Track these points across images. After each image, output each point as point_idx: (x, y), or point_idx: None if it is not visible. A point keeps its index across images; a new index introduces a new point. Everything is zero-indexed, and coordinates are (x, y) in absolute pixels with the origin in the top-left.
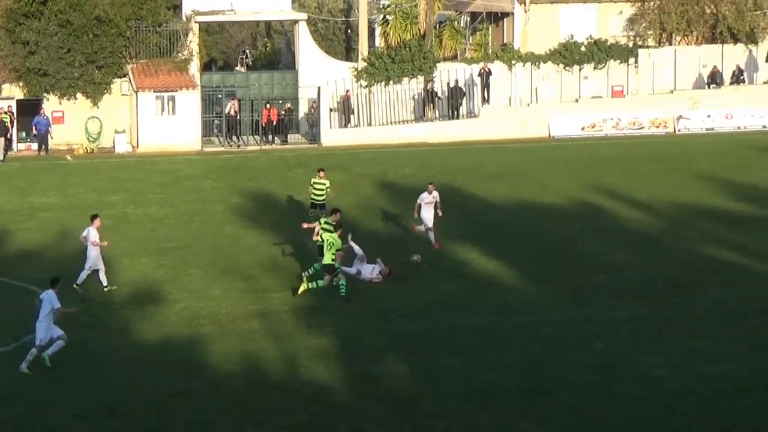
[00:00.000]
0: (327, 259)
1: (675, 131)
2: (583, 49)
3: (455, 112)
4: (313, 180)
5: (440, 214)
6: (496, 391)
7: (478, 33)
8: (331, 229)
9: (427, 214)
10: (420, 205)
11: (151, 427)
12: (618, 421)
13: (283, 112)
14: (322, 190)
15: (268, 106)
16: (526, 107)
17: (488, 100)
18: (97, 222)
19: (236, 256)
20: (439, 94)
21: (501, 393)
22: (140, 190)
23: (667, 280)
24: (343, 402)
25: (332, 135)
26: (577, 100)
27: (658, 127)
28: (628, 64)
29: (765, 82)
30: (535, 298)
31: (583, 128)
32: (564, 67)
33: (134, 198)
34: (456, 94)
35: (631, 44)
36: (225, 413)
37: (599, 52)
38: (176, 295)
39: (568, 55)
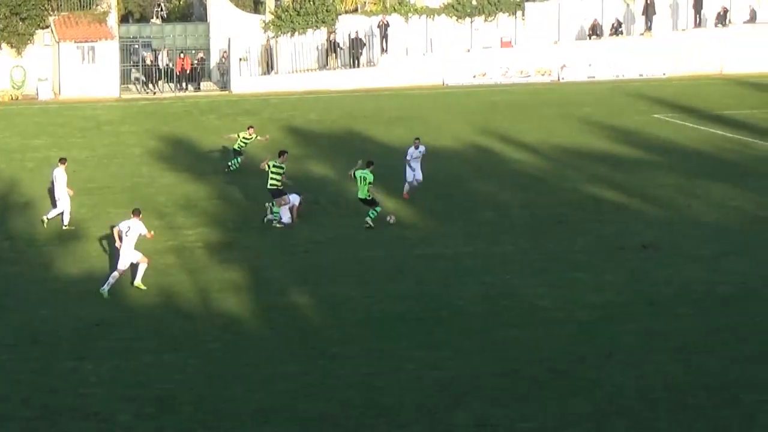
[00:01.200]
0: (363, 193)
1: (559, 79)
2: (474, 2)
3: (356, 62)
4: (242, 134)
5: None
6: (394, 319)
7: None
8: (281, 171)
9: (417, 169)
10: (409, 161)
11: (74, 355)
12: (505, 345)
13: (195, 62)
14: (249, 139)
15: (182, 55)
16: (422, 57)
17: (387, 51)
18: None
19: (153, 196)
20: (341, 45)
21: (399, 321)
22: (62, 134)
23: (552, 216)
24: (252, 331)
25: (242, 83)
26: (468, 50)
27: (543, 75)
28: (516, 17)
29: (641, 34)
30: (431, 233)
31: (474, 76)
32: (457, 20)
33: (57, 142)
34: (357, 45)
35: None
36: (143, 341)
37: (489, 6)
38: (97, 233)
39: (460, 8)
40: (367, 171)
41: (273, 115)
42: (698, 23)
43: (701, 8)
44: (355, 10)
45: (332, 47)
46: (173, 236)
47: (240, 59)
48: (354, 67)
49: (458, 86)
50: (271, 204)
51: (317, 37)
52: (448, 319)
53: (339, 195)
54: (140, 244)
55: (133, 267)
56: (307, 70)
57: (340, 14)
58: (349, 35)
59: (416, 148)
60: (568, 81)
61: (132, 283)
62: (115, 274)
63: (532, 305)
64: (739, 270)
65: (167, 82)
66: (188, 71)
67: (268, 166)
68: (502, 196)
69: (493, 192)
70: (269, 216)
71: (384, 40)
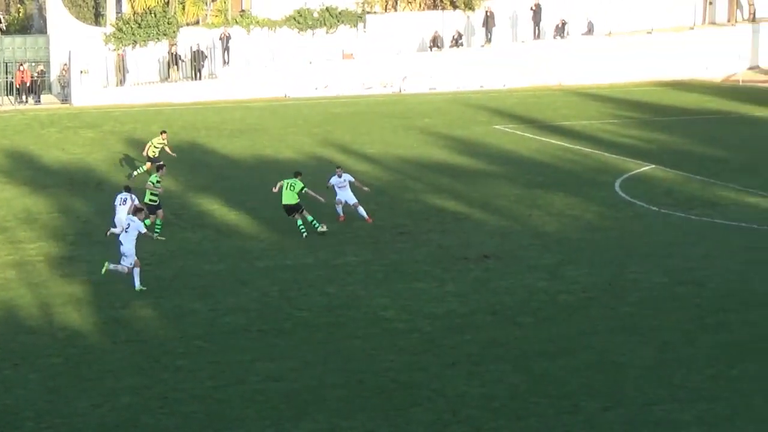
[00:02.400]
0: (288, 199)
1: (400, 91)
2: (315, 15)
3: (198, 74)
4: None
5: (366, 189)
6: (237, 331)
7: (218, 0)
8: (156, 191)
9: (346, 194)
10: (335, 187)
11: None
12: (349, 356)
13: (36, 74)
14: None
15: (21, 68)
16: (264, 69)
17: (228, 63)
18: None
19: None
20: (183, 57)
21: (242, 333)
22: None
23: (394, 227)
24: (95, 345)
25: (83, 96)
26: (311, 63)
27: (385, 87)
28: (357, 29)
29: (481, 46)
30: (273, 245)
31: (316, 88)
32: (299, 32)
33: None
34: (198, 58)
35: (360, 10)
36: None
37: (331, 18)
38: None
39: (302, 20)
40: (296, 180)
41: (115, 128)
42: (537, 35)
43: (540, 20)
44: (197, 23)
45: (174, 60)
46: (14, 250)
47: (81, 72)
48: (196, 79)
49: (300, 98)
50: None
51: (159, 49)
52: (292, 331)
53: (182, 208)
54: None
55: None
56: (149, 82)
57: (182, 26)
58: (191, 48)
59: (339, 176)
60: (409, 93)
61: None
62: (125, 269)
63: (376, 316)
64: (579, 279)
65: (7, 94)
66: (28, 84)
67: (153, 183)
68: (344, 207)
69: (334, 203)
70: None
71: (226, 52)
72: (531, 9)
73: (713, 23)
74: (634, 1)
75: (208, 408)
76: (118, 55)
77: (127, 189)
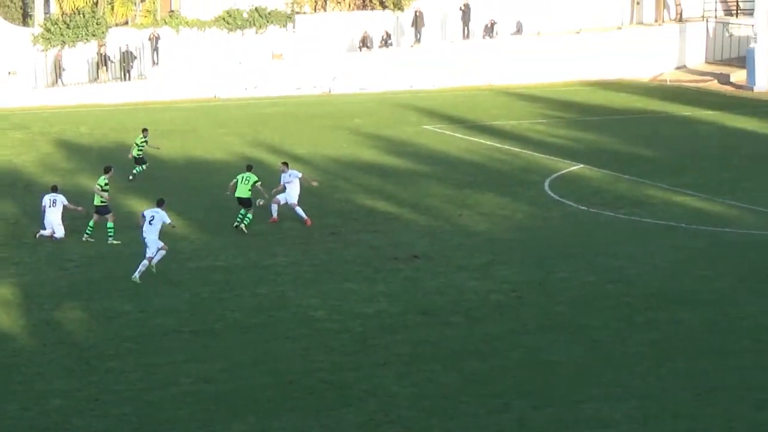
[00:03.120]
0: (242, 193)
1: (330, 91)
2: (245, 15)
3: (127, 75)
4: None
5: (315, 183)
6: (168, 333)
7: (147, 0)
8: (105, 191)
9: (290, 193)
10: (284, 185)
11: None
12: (280, 357)
13: None
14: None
15: None
16: (194, 70)
17: (158, 64)
18: None
19: None
20: (112, 58)
21: (173, 334)
22: None
23: (325, 227)
24: (25, 347)
25: (10, 97)
26: (240, 63)
27: (314, 87)
28: (287, 29)
29: (411, 46)
30: (203, 246)
31: (246, 89)
32: (228, 32)
33: None
34: (128, 58)
35: (289, 11)
36: None
37: (260, 18)
38: None
39: (231, 21)
40: (250, 173)
41: (44, 129)
42: (466, 35)
43: (469, 21)
44: (126, 23)
45: (103, 60)
46: None
47: (9, 73)
48: (125, 80)
49: (230, 99)
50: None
51: (88, 50)
52: (223, 332)
53: (112, 209)
54: None
55: None
56: (78, 83)
57: (111, 27)
58: (120, 48)
59: (284, 172)
60: (339, 93)
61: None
62: (145, 262)
63: (306, 316)
64: (509, 278)
65: None
66: None
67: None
68: (281, 209)
69: (264, 204)
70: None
71: (155, 53)
72: (460, 9)
73: (641, 23)
74: (562, 2)
75: (139, 410)
76: (56, 55)
77: (54, 189)
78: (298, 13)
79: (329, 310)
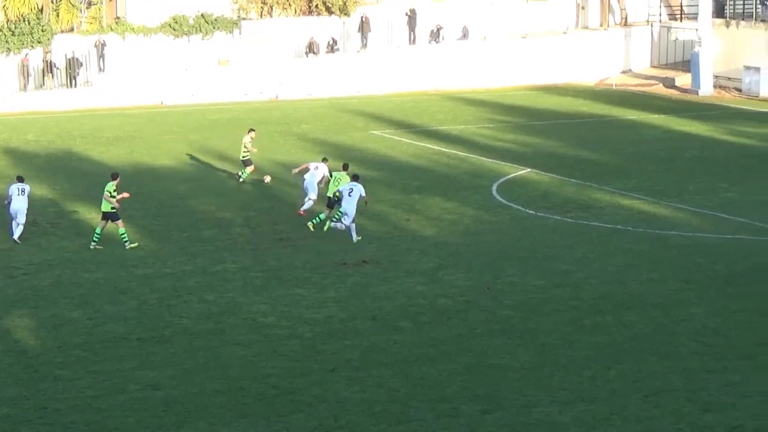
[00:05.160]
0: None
1: (277, 97)
2: (191, 21)
3: (73, 82)
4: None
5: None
6: (116, 340)
7: (93, 6)
8: (113, 197)
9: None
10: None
11: None
12: (229, 363)
13: None
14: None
15: None
16: (140, 76)
17: (104, 70)
18: None
19: None
20: (57, 65)
21: (122, 341)
22: None
23: (273, 233)
24: None
25: None
26: (186, 69)
27: (261, 93)
28: (233, 35)
29: (357, 52)
30: (151, 253)
31: (192, 95)
32: (174, 38)
33: None
34: (73, 65)
35: (235, 17)
36: None
37: (206, 24)
38: None
39: (177, 27)
40: (343, 173)
41: None
42: (413, 41)
43: (415, 26)
44: (72, 30)
45: (48, 67)
46: None
47: None
48: (71, 87)
49: (177, 105)
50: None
51: (33, 57)
52: (171, 339)
53: (59, 216)
54: None
55: None
56: (24, 90)
57: (56, 34)
58: (66, 55)
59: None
60: (286, 99)
61: None
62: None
63: (256, 322)
64: (457, 282)
65: None
66: None
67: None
68: (222, 214)
69: (213, 210)
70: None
71: (101, 59)
72: (406, 14)
73: (586, 28)
74: (508, 7)
75: (88, 418)
76: (22, 60)
77: (20, 180)
78: (244, 19)
79: (279, 316)
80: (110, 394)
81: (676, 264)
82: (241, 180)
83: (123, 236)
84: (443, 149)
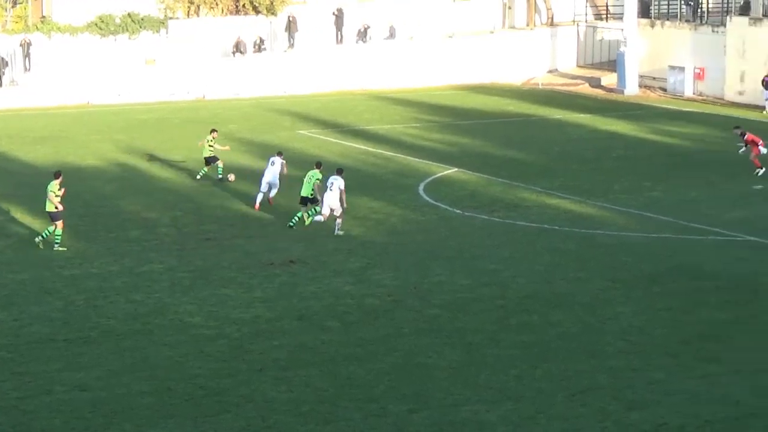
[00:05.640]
0: (306, 192)
1: (204, 96)
2: (118, 20)
3: None
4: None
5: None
6: (42, 341)
7: (18, 5)
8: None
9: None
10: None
11: None
12: (156, 363)
13: None
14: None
15: None
16: (66, 76)
17: (30, 70)
18: None
19: None
20: None
21: (48, 343)
22: None
23: (200, 233)
24: None
25: None
26: (113, 69)
27: (188, 93)
28: (160, 34)
29: (284, 51)
30: (77, 253)
31: (119, 95)
32: (101, 37)
33: None
34: None
35: (162, 16)
36: None
37: (133, 23)
38: None
39: (104, 26)
40: (316, 171)
41: None
42: (340, 40)
43: (342, 25)
44: None
45: None
46: None
47: None
48: None
49: (103, 105)
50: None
51: None
52: (98, 339)
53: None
54: None
55: None
56: None
57: None
58: None
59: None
60: (213, 98)
61: None
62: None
63: (183, 322)
64: (384, 282)
65: None
66: None
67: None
68: (148, 214)
69: (139, 210)
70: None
71: (27, 59)
72: (333, 14)
73: (513, 27)
74: (435, 7)
75: (14, 419)
76: None
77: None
78: (171, 18)
79: (206, 317)
80: (36, 396)
81: (602, 263)
82: (198, 177)
83: (57, 238)
84: (370, 149)
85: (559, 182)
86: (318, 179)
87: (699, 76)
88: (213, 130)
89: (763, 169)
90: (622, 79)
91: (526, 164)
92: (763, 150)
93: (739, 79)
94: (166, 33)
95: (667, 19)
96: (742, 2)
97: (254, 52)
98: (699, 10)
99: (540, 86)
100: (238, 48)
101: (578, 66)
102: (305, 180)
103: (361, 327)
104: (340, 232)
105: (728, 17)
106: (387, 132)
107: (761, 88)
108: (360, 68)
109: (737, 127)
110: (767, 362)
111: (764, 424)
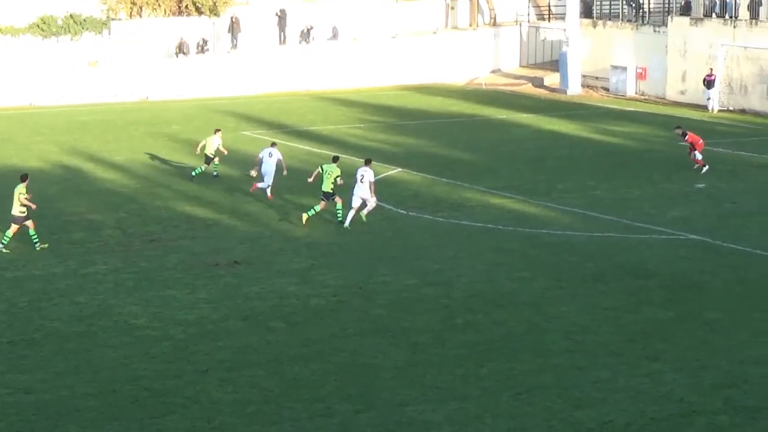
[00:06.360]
0: (326, 187)
1: (147, 98)
2: (60, 22)
3: None
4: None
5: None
6: None
7: None
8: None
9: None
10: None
11: None
12: (101, 365)
13: None
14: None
15: None
16: (8, 77)
17: None
18: None
19: None
20: None
21: None
22: None
23: (144, 235)
24: None
25: None
26: (56, 70)
27: (131, 94)
28: (102, 36)
29: (228, 52)
30: (21, 255)
31: (62, 96)
32: (43, 39)
33: None
34: None
35: (105, 17)
36: None
37: (75, 25)
38: None
39: (46, 27)
40: (333, 165)
41: None
42: (283, 41)
43: (285, 26)
44: None
45: None
46: None
47: None
48: None
49: (46, 107)
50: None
51: None
52: (42, 342)
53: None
54: None
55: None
56: None
57: None
58: None
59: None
60: (156, 99)
61: None
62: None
63: (127, 324)
64: (329, 282)
65: None
66: None
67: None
68: (92, 216)
69: (83, 212)
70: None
71: None
72: (276, 15)
73: (456, 28)
74: (378, 7)
75: None
76: None
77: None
78: (113, 19)
79: (150, 318)
80: None
81: (546, 262)
82: (193, 174)
83: (4, 239)
84: (314, 149)
85: (503, 182)
86: (338, 175)
87: (641, 75)
88: (217, 130)
89: (697, 167)
90: (564, 78)
91: (470, 164)
92: (698, 155)
93: (681, 79)
94: (109, 34)
95: (609, 19)
96: (683, 2)
97: (197, 53)
98: (641, 10)
99: (483, 86)
100: (181, 49)
101: (521, 66)
102: (324, 175)
103: (307, 327)
104: (365, 219)
105: (669, 17)
106: (331, 132)
107: (702, 87)
108: (303, 69)
109: (678, 127)
110: (709, 359)
111: (707, 421)
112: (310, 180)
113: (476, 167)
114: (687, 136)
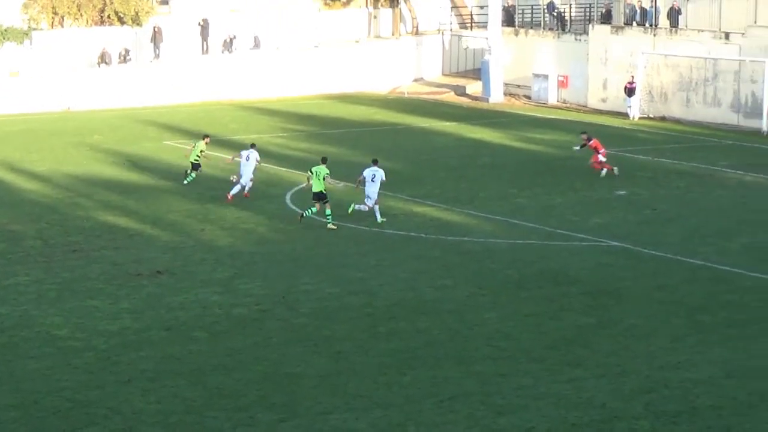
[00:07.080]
0: (318, 188)
1: (69, 108)
2: None
3: None
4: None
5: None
6: None
7: None
8: None
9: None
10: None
11: None
12: (23, 377)
13: None
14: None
15: None
16: None
17: None
18: None
19: None
20: None
21: None
22: None
23: (66, 245)
24: None
25: None
26: None
27: (54, 104)
28: (24, 45)
29: (150, 62)
30: None
31: None
32: None
33: None
34: None
35: (26, 27)
36: None
37: None
38: None
39: None
40: (322, 166)
41: None
42: (205, 50)
43: (208, 36)
44: None
45: None
46: None
47: None
48: None
49: None
50: None
51: None
52: None
53: None
54: None
55: None
56: None
57: None
58: None
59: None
60: (78, 109)
61: None
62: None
63: (49, 335)
64: (252, 291)
65: None
66: None
67: None
68: (14, 227)
69: (4, 222)
70: None
71: None
72: (199, 24)
73: (378, 37)
74: (300, 16)
75: None
76: None
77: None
78: (35, 29)
79: (73, 328)
80: None
81: (469, 269)
82: (185, 182)
83: None
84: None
85: (425, 190)
86: (327, 173)
87: (562, 83)
88: (206, 136)
89: (605, 171)
90: (486, 87)
91: (392, 173)
92: (602, 158)
93: (602, 87)
94: (30, 44)
95: (531, 28)
96: (604, 11)
97: (120, 62)
98: (562, 19)
99: (406, 95)
100: (104, 59)
101: (443, 74)
102: (314, 176)
103: (230, 337)
104: (383, 219)
105: (590, 25)
106: (253, 142)
107: (623, 95)
108: (226, 78)
109: (584, 132)
110: (630, 365)
111: (628, 426)
112: (305, 186)
113: (399, 176)
114: (591, 141)
